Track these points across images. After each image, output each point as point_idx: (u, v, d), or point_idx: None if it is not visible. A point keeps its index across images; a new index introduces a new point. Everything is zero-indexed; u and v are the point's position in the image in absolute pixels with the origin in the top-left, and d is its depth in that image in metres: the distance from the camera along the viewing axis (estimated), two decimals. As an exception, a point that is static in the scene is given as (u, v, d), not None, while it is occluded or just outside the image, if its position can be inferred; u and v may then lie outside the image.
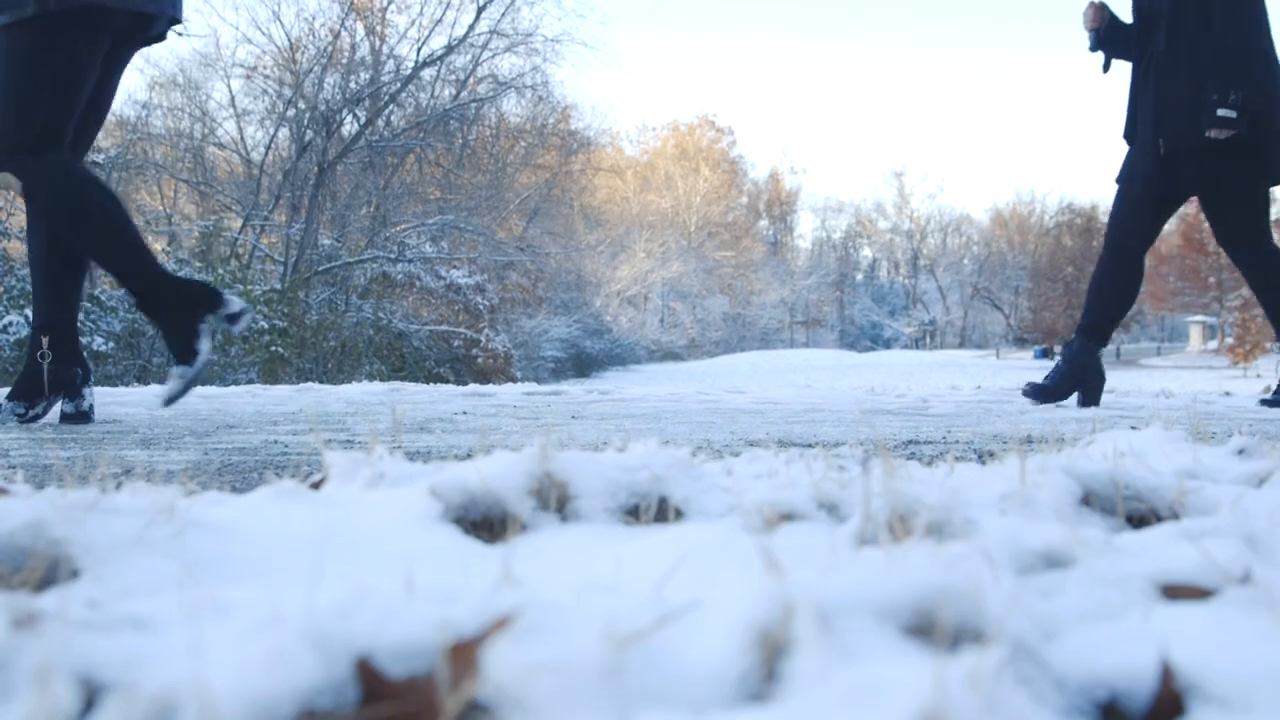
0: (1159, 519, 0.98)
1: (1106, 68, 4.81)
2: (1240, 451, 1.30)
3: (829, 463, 1.14)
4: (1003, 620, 0.55)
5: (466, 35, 28.78)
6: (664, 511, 0.97)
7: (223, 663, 0.49)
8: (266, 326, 19.42)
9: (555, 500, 0.94)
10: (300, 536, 0.82)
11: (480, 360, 25.95)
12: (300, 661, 0.49)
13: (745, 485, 1.03)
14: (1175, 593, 0.70)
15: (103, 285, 18.29)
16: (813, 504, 0.93)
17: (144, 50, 4.76)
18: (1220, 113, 4.28)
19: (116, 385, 12.50)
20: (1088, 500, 0.99)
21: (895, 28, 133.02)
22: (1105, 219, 5.39)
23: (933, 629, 0.54)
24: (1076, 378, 4.68)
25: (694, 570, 0.73)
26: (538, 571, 0.77)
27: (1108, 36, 4.72)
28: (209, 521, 0.82)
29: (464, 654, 0.51)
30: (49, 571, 0.70)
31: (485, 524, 0.92)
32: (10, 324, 15.87)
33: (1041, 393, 4.69)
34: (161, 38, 3.40)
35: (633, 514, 0.96)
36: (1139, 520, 0.98)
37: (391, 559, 0.79)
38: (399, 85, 28.26)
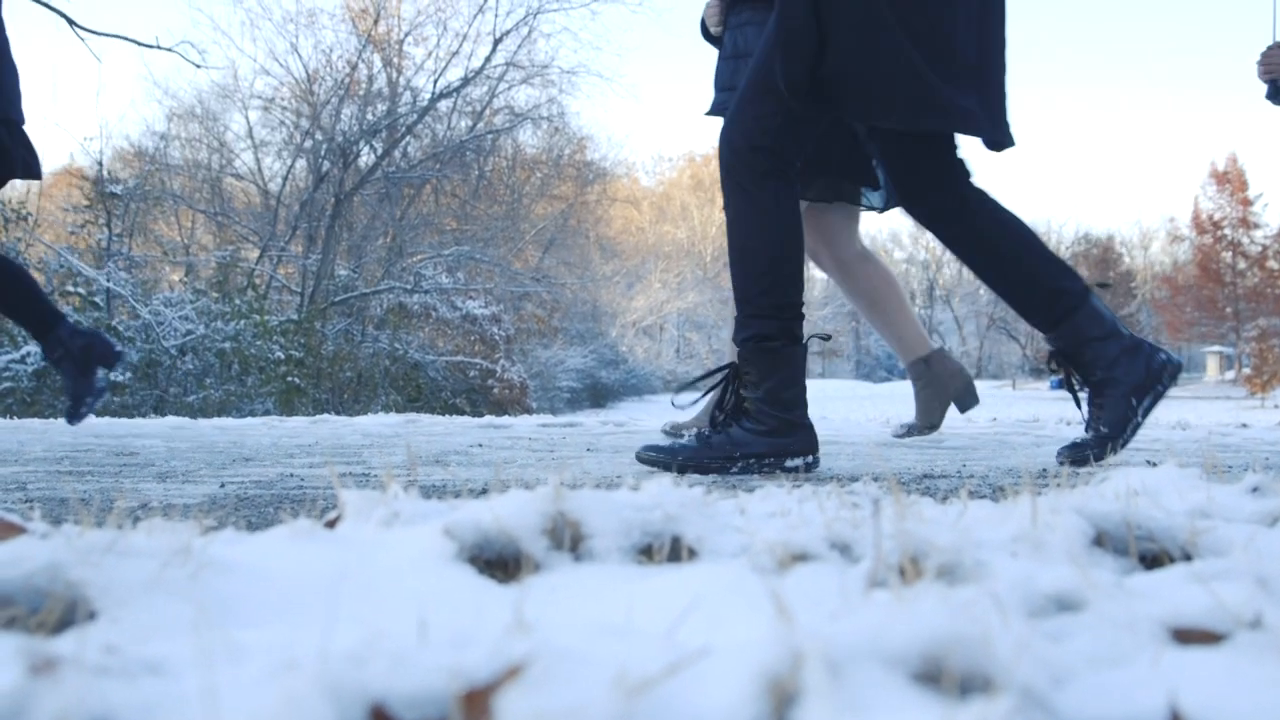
0: (1171, 559, 0.98)
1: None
2: (1254, 489, 1.29)
3: (842, 500, 1.14)
4: (1012, 667, 0.55)
5: (483, 67, 29.00)
6: (677, 551, 0.97)
7: (237, 710, 0.50)
8: (283, 357, 19.51)
9: (569, 540, 0.95)
10: (315, 577, 0.82)
11: (496, 391, 25.99)
12: (315, 709, 0.50)
13: (758, 524, 1.03)
14: (1186, 636, 0.69)
15: (120, 316, 18.40)
16: (825, 544, 0.93)
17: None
18: None
19: (134, 416, 12.56)
20: (1100, 540, 0.99)
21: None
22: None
23: (941, 676, 0.54)
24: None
25: (706, 613, 0.73)
26: (551, 613, 0.77)
27: None
28: (225, 562, 0.82)
29: (477, 702, 0.52)
30: (66, 613, 0.71)
31: (499, 563, 0.92)
32: (29, 354, 15.97)
33: None
34: None
35: (646, 553, 0.97)
36: (1152, 560, 0.98)
37: (406, 600, 0.79)
38: (415, 117, 28.46)
